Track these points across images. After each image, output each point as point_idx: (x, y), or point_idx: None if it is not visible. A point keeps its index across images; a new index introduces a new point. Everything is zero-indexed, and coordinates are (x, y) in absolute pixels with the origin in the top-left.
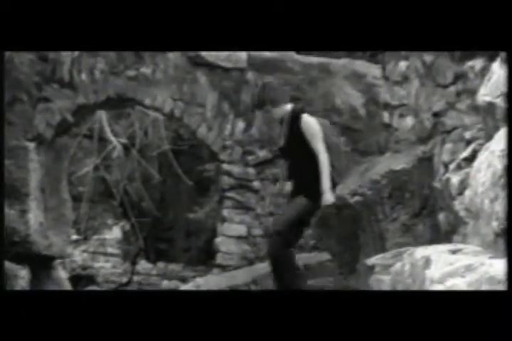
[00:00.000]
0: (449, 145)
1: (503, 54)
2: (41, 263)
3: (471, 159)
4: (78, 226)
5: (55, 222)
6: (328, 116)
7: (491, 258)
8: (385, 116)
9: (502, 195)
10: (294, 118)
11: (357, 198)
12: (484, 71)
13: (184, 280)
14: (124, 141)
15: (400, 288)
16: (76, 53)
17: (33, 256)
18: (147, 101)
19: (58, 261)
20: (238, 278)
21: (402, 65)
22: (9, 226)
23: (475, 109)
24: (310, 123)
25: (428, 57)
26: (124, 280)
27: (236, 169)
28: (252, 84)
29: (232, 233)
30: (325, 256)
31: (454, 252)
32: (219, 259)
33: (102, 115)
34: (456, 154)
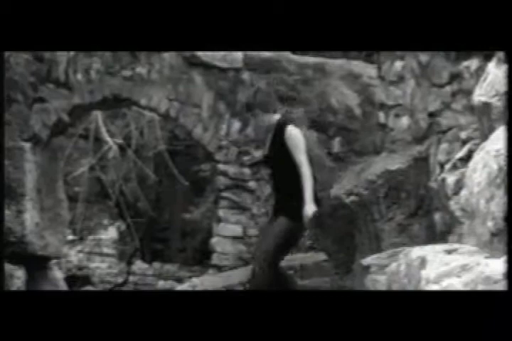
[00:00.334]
0: (444, 145)
1: (500, 54)
2: (37, 264)
3: (466, 159)
4: (74, 226)
5: (50, 222)
6: (323, 116)
7: (486, 258)
8: (381, 116)
9: (498, 194)
10: (279, 129)
11: (353, 198)
12: (480, 71)
13: (180, 280)
14: (119, 141)
15: (395, 288)
16: (72, 53)
17: (29, 256)
18: (143, 102)
19: (54, 261)
20: (234, 278)
21: (398, 65)
22: (5, 227)
23: (470, 109)
24: (294, 135)
25: (423, 57)
26: (120, 280)
27: (232, 169)
28: (247, 84)
29: (228, 233)
30: (321, 256)
31: (449, 252)
32: (215, 259)
33: (98, 115)
34: (451, 154)
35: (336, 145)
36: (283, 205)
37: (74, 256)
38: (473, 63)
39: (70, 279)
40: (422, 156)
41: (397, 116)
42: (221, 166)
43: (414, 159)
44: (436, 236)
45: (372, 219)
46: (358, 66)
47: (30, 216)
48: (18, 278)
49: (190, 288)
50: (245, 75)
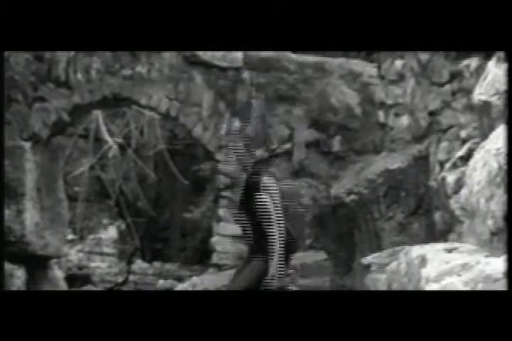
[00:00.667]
0: (444, 144)
1: (500, 53)
2: (37, 263)
3: (466, 158)
4: (74, 225)
5: (50, 222)
6: (323, 115)
7: (486, 256)
8: (381, 115)
9: (498, 193)
10: (253, 178)
11: (353, 197)
12: (480, 70)
13: (180, 279)
14: (119, 140)
15: (395, 286)
16: (72, 53)
17: (29, 255)
18: (143, 101)
19: (54, 260)
20: None
21: (398, 63)
22: (5, 226)
23: (470, 107)
24: (265, 195)
25: (424, 56)
26: (120, 279)
27: (232, 168)
28: (247, 84)
29: (228, 232)
30: (321, 255)
31: (449, 251)
32: (215, 259)
33: (98, 114)
34: (451, 153)
35: (336, 144)
36: (258, 247)
37: (74, 255)
38: (473, 62)
39: (70, 278)
40: (421, 155)
41: (397, 115)
42: (221, 165)
43: (414, 158)
44: (436, 235)
45: (372, 218)
46: (358, 65)
47: (30, 215)
48: (18, 277)
49: (190, 287)
50: (245, 74)
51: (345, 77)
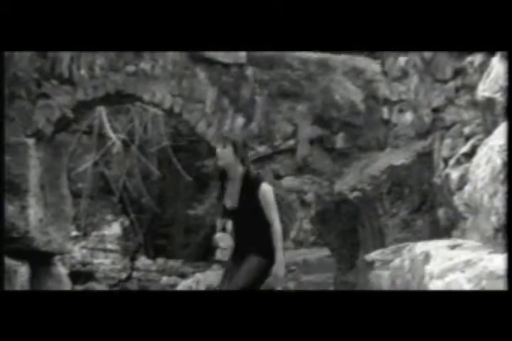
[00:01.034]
0: (448, 141)
1: (503, 53)
2: (41, 260)
3: (470, 154)
4: (77, 222)
5: (54, 218)
6: (327, 111)
7: (490, 253)
8: (385, 111)
9: (501, 190)
10: (251, 183)
11: (356, 194)
12: (483, 67)
13: (183, 276)
14: (123, 137)
15: (399, 283)
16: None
17: (33, 252)
18: (146, 97)
19: (58, 257)
20: None
21: (402, 60)
22: (9, 223)
23: (474, 104)
24: (268, 193)
25: (427, 52)
26: (124, 276)
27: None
28: (251, 80)
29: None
30: (324, 251)
31: (453, 247)
32: (218, 255)
33: (102, 111)
34: (455, 149)
35: (340, 140)
36: (251, 247)
37: (77, 251)
38: (476, 59)
39: (74, 275)
40: (425, 152)
41: (400, 111)
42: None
43: (418, 154)
44: (439, 231)
45: (375, 215)
46: (362, 61)
47: (34, 212)
48: (21, 273)
49: (194, 284)
50: (249, 71)
51: (348, 73)
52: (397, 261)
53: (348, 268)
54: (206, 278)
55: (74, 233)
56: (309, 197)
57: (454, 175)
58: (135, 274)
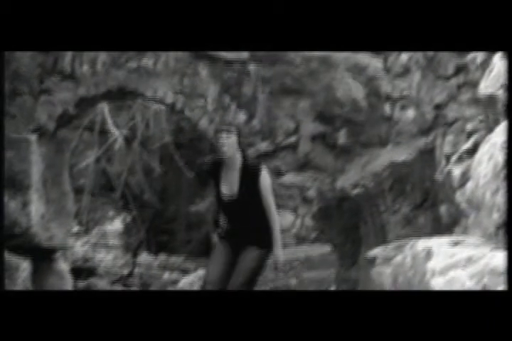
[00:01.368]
0: (450, 138)
1: (503, 53)
2: (42, 255)
3: (472, 151)
4: (79, 218)
5: (56, 214)
6: (329, 108)
7: (492, 250)
8: (387, 108)
9: (503, 186)
10: (251, 171)
11: (358, 190)
12: (485, 64)
13: (185, 272)
14: (125, 133)
15: (401, 280)
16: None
17: (35, 248)
18: (148, 94)
19: (59, 253)
20: None
21: (404, 57)
22: (10, 219)
23: (476, 101)
24: (268, 181)
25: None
26: (126, 272)
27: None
28: (253, 77)
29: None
30: (326, 248)
31: (455, 244)
32: None
33: (104, 107)
34: (457, 146)
35: (342, 137)
36: (248, 237)
37: (79, 247)
38: (478, 56)
39: (76, 271)
40: (427, 148)
41: (402, 108)
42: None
43: (420, 151)
44: (441, 228)
45: (377, 212)
46: (364, 58)
47: (36, 208)
48: (23, 269)
49: (196, 280)
50: (251, 67)
51: (350, 70)
52: (399, 258)
53: (350, 265)
54: None
55: (76, 229)
56: (311, 193)
57: (456, 171)
58: (137, 270)
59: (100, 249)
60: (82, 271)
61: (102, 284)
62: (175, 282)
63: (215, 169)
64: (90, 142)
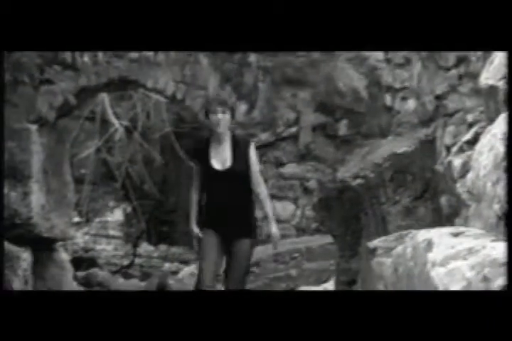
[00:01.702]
0: (451, 128)
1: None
2: (43, 246)
3: (473, 142)
4: (80, 208)
5: (57, 204)
6: (330, 98)
7: (493, 241)
8: (387, 98)
9: (504, 177)
10: (241, 143)
11: (359, 181)
12: (486, 54)
13: (186, 262)
14: (126, 123)
15: (401, 270)
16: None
17: (35, 238)
18: (149, 84)
19: (60, 243)
20: None
21: None
22: (11, 209)
23: (477, 91)
24: (255, 151)
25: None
26: (126, 262)
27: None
28: (254, 67)
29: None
30: (326, 239)
31: (456, 235)
32: None
33: (104, 97)
34: (458, 137)
35: (342, 127)
36: (239, 225)
37: (80, 238)
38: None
39: (76, 261)
40: (428, 139)
41: (403, 98)
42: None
43: (421, 142)
44: (442, 219)
45: (378, 202)
46: None
47: (37, 198)
48: (24, 259)
49: (196, 271)
50: (252, 58)
51: (352, 60)
52: (399, 249)
53: (351, 256)
54: None
55: (76, 219)
56: (312, 184)
57: (457, 162)
58: (137, 260)
59: (101, 240)
60: (83, 261)
61: (102, 274)
62: (175, 272)
63: (204, 145)
64: (91, 132)
